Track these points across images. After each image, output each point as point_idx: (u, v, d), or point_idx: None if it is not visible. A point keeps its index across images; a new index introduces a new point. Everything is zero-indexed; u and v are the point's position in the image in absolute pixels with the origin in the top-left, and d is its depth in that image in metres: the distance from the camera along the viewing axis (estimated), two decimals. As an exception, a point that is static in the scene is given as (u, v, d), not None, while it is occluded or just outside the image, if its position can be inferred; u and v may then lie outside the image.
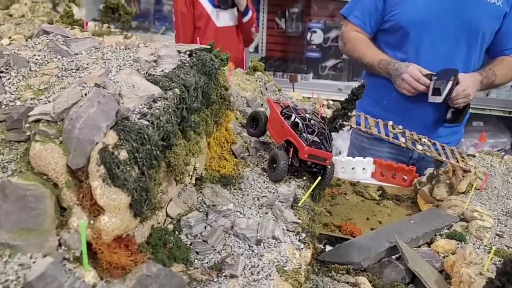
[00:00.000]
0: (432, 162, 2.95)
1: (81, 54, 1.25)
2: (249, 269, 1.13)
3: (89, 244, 0.89)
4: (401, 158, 3.07)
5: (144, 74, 1.15)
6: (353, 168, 2.64)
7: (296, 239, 1.28)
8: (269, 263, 1.15)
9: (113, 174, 0.88)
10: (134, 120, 0.98)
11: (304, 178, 1.62)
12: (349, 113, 1.84)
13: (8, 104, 1.03)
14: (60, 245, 0.86)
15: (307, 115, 1.64)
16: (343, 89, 5.40)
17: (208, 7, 3.94)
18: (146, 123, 0.98)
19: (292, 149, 1.56)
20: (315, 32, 5.61)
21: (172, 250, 1.11)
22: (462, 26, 2.77)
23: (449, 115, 2.89)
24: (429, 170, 2.45)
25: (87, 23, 1.54)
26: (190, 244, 1.19)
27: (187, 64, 1.24)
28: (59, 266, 0.80)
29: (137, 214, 0.93)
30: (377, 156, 2.84)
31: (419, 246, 1.86)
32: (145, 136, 0.94)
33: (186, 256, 1.13)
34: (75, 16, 2.65)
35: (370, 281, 1.60)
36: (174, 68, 1.20)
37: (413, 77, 2.71)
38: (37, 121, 0.95)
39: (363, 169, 2.65)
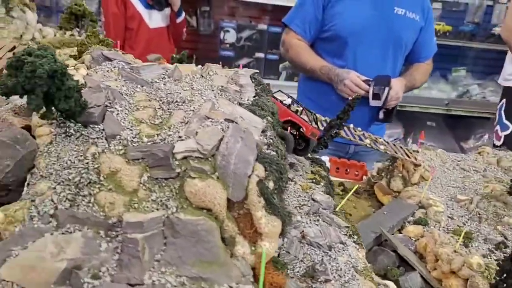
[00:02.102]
0: (362, 156, 3.39)
1: (157, 82, 1.28)
2: (335, 272, 1.30)
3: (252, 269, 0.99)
4: (339, 154, 3.42)
5: (236, 103, 1.24)
6: (312, 167, 2.90)
7: (352, 241, 1.48)
8: (345, 265, 1.34)
9: (271, 204, 0.99)
10: (265, 151, 1.08)
11: (322, 184, 1.82)
12: (344, 123, 2.09)
13: (133, 140, 1.06)
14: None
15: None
16: (258, 87, 5.66)
17: (140, 8, 3.87)
18: (274, 153, 1.09)
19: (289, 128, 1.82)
20: (228, 31, 5.78)
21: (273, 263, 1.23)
22: (390, 38, 3.20)
23: (381, 115, 3.32)
24: (377, 165, 2.81)
25: (118, 45, 1.53)
26: (278, 256, 1.31)
27: (258, 91, 1.35)
28: (258, 292, 0.89)
29: (283, 237, 1.04)
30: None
31: (393, 234, 2.16)
32: (282, 166, 1.06)
33: (284, 267, 1.26)
34: (28, 21, 2.49)
35: (368, 268, 1.83)
36: (255, 96, 1.31)
37: (354, 83, 3.06)
38: (184, 158, 1.01)
39: (321, 167, 2.92)
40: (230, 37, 5.80)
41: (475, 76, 5.95)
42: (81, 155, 1.03)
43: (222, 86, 1.28)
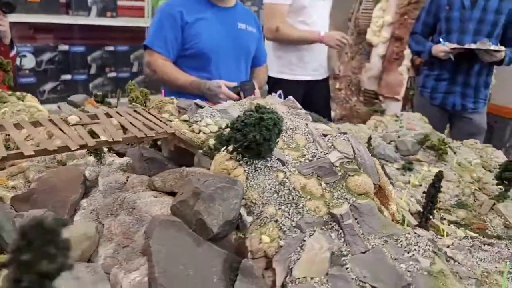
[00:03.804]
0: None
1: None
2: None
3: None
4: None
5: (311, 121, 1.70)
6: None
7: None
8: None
9: (390, 179, 1.54)
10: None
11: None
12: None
13: (294, 162, 1.43)
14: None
15: None
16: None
17: (-36, 44, 3.46)
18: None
19: None
20: (25, 56, 5.38)
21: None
22: (241, 49, 3.87)
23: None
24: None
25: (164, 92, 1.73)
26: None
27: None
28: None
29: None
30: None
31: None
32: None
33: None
34: None
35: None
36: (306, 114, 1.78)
37: (225, 94, 3.60)
38: (340, 164, 1.46)
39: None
40: (28, 62, 5.41)
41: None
42: (275, 181, 1.36)
43: (288, 112, 1.71)
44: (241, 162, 1.35)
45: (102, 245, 1.28)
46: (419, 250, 1.36)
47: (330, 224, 1.35)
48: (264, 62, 4.26)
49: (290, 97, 1.79)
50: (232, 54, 3.79)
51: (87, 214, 1.37)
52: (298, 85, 4.87)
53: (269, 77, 5.05)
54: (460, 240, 2.24)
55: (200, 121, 1.48)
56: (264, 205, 1.30)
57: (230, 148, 1.33)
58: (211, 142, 1.39)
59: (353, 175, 1.45)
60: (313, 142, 1.53)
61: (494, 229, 2.80)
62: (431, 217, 2.36)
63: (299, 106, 1.75)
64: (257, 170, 1.36)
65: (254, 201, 1.30)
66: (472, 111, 4.78)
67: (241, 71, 3.90)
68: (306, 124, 1.60)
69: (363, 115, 5.94)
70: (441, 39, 4.64)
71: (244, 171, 1.34)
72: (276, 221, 1.27)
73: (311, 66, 4.92)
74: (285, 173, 1.38)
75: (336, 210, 1.36)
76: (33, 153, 1.12)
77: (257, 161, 1.36)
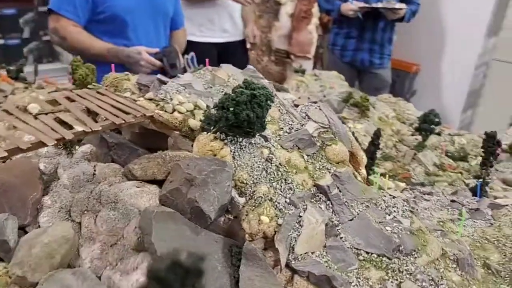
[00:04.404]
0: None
1: (211, 90, 1.54)
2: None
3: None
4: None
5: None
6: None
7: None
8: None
9: (360, 144, 1.58)
10: (328, 117, 1.62)
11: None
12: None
13: (273, 136, 1.40)
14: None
15: None
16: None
17: None
18: (330, 116, 1.64)
19: None
20: None
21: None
22: (158, 11, 3.64)
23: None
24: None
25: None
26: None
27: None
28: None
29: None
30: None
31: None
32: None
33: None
34: None
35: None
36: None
37: (148, 61, 3.37)
38: (317, 134, 1.45)
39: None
40: None
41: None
42: (261, 158, 1.31)
43: (250, 82, 1.65)
44: (225, 141, 1.28)
45: (84, 247, 1.15)
46: (398, 211, 1.42)
47: (318, 196, 1.35)
48: (182, 25, 4.05)
49: (250, 66, 1.72)
50: (150, 17, 3.53)
51: (54, 213, 1.22)
52: (210, 48, 4.74)
53: None
54: (401, 192, 2.39)
55: (171, 99, 1.35)
56: (255, 184, 1.25)
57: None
58: (192, 122, 1.29)
59: (330, 145, 1.45)
60: (286, 113, 1.50)
61: (417, 177, 3.04)
62: (371, 173, 2.47)
63: (260, 75, 1.69)
64: (242, 149, 1.30)
65: (244, 181, 1.25)
66: (378, 67, 5.05)
67: (161, 36, 3.67)
68: (276, 95, 1.56)
69: (275, 75, 5.98)
70: (349, -2, 4.78)
71: (230, 150, 1.27)
72: (271, 199, 1.24)
73: (220, 28, 4.81)
74: (269, 148, 1.34)
75: (321, 181, 1.36)
76: (5, 154, 0.94)
77: (241, 139, 1.30)
